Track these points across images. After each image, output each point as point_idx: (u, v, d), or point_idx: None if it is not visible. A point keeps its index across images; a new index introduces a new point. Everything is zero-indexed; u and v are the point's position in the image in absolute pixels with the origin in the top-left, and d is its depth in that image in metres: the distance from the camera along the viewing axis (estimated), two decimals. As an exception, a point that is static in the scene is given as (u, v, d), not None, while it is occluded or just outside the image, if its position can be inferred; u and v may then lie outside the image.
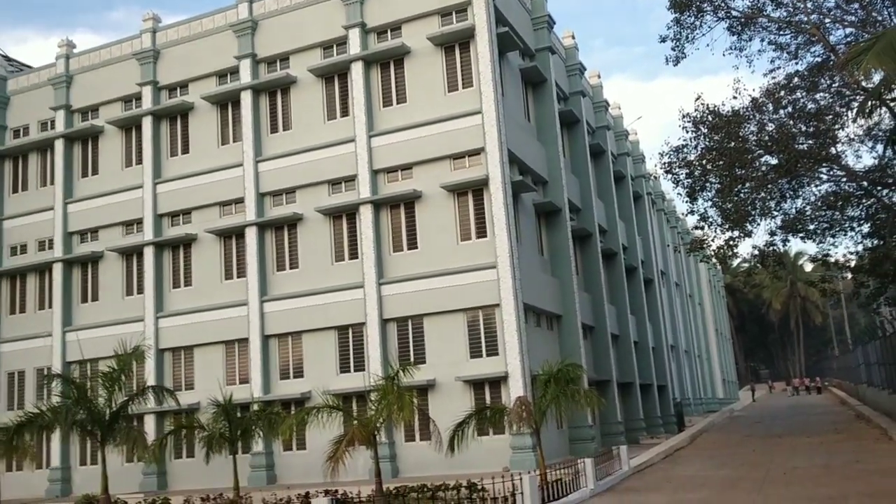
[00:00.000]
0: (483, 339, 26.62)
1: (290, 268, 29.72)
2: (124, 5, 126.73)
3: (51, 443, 31.27)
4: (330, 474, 20.68)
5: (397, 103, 28.87)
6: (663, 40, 27.49)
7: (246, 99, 30.64)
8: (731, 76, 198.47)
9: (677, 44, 27.28)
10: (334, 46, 30.10)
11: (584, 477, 18.58)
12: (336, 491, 23.53)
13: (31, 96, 35.54)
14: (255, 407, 26.98)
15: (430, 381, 26.50)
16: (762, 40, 27.78)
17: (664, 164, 27.98)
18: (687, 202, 28.35)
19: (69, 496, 30.30)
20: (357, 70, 28.97)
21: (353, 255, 28.69)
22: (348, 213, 28.95)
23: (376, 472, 21.73)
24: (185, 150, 32.18)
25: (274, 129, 30.71)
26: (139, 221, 32.24)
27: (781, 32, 27.17)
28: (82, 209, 33.42)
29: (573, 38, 36.57)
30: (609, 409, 32.07)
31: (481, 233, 27.14)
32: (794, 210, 28.44)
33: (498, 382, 26.18)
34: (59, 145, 34.00)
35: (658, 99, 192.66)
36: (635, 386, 37.36)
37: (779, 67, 27.82)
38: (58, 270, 33.21)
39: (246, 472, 27.61)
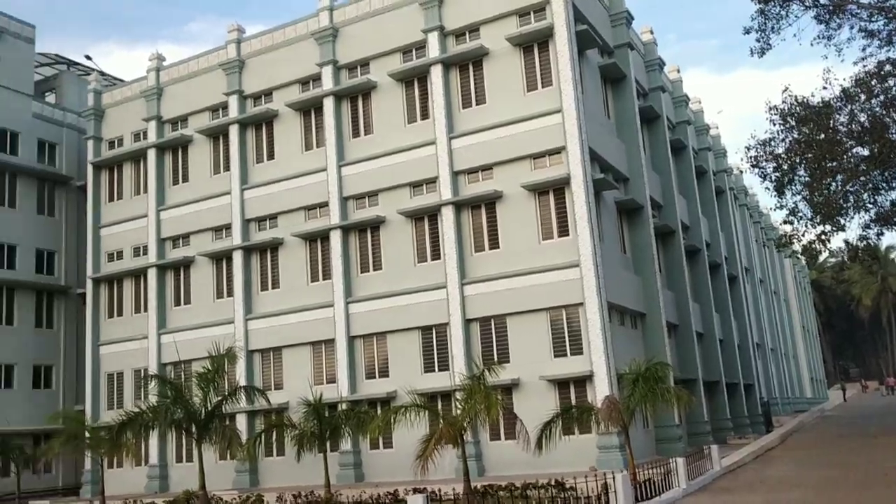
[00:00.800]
0: (567, 339, 26.57)
1: (374, 269, 30.23)
2: (203, 16, 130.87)
3: (149, 441, 32.51)
4: (420, 472, 21.01)
5: (477, 104, 29.07)
6: (747, 32, 26.88)
7: (328, 105, 31.32)
8: (812, 67, 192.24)
9: (762, 35, 26.62)
10: (413, 50, 30.50)
11: (676, 476, 18.41)
12: (424, 489, 23.85)
13: (124, 109, 37.09)
14: (343, 406, 27.51)
15: (514, 380, 26.59)
16: (852, 28, 26.87)
17: (750, 157, 27.36)
18: (774, 196, 27.67)
19: (167, 492, 31.44)
20: (436, 73, 29.30)
21: (436, 255, 29.01)
22: (430, 215, 29.29)
23: (464, 471, 21.95)
24: (271, 157, 33.08)
25: (356, 134, 31.30)
26: (228, 227, 33.29)
27: (873, 19, 26.25)
28: (174, 216, 34.71)
29: (651, 33, 36.13)
30: (695, 408, 31.52)
31: (563, 231, 27.10)
32: (888, 202, 27.46)
33: (583, 381, 26.10)
34: (151, 155, 35.39)
35: (736, 92, 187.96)
36: (721, 385, 36.64)
37: (870, 55, 26.85)
38: (152, 275, 34.57)
39: (334, 470, 28.18)
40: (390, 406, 27.63)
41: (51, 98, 42.23)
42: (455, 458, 26.14)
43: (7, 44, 37.57)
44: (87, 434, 30.20)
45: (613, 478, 16.08)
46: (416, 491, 23.93)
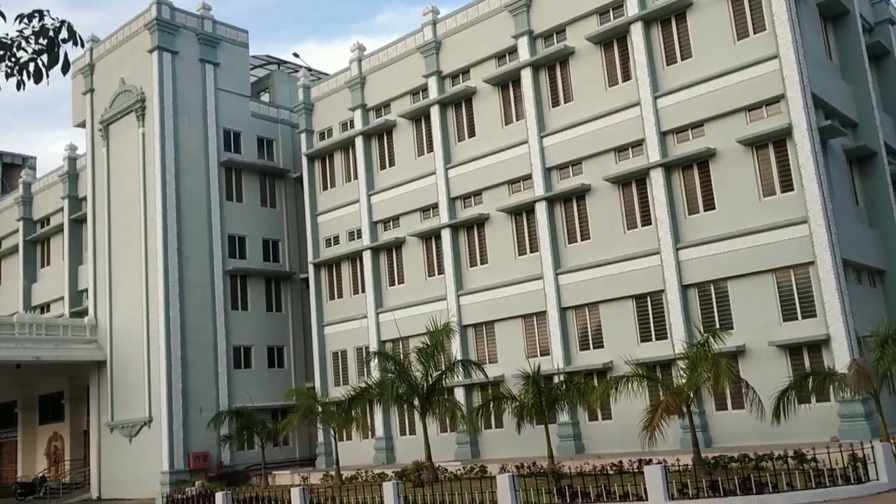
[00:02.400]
0: (797, 301, 24.74)
1: (582, 239, 29.72)
2: (390, 6, 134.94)
3: (374, 415, 34.09)
4: (648, 443, 20.45)
5: (682, 59, 27.64)
6: None
7: (526, 76, 31.05)
8: None
9: None
10: (611, 10, 29.49)
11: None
12: (650, 460, 23.23)
13: (331, 100, 38.88)
14: (560, 378, 27.35)
15: (740, 347, 25.16)
16: None
17: None
18: None
19: (394, 463, 32.87)
20: (637, 31, 28.15)
21: (646, 221, 28.01)
22: (637, 179, 28.31)
23: (693, 441, 21.14)
24: (472, 134, 33.36)
25: (555, 103, 30.83)
26: (435, 206, 34.03)
27: None
28: (384, 199, 35.98)
29: (875, -40, 32.60)
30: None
31: (787, 187, 25.19)
32: None
33: (818, 346, 24.21)
34: (358, 142, 36.86)
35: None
36: (979, 346, 32.67)
37: None
38: (367, 257, 36.09)
39: (553, 442, 27.95)
40: (607, 377, 27.22)
41: (265, 97, 45.14)
42: (679, 428, 25.27)
43: (225, 50, 40.51)
44: (314, 408, 32.25)
45: (872, 447, 14.68)
46: (643, 462, 23.39)
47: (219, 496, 22.96)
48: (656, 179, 27.38)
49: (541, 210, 30.30)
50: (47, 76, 7.96)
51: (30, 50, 7.61)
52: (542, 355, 29.95)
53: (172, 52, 38.22)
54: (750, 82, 25.64)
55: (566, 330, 29.60)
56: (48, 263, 48.36)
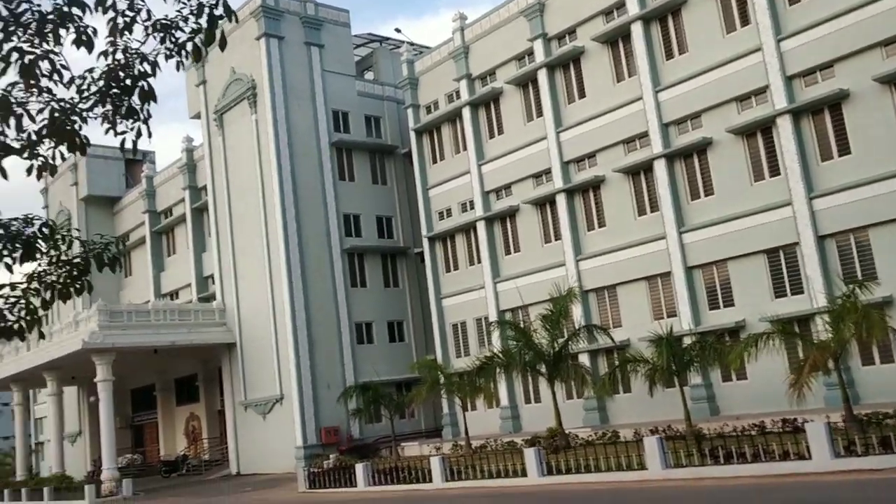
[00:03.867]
0: (949, 245, 23.13)
1: (705, 195, 28.68)
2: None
3: (497, 384, 34.11)
4: (795, 401, 19.64)
5: (806, -2, 26.09)
6: None
7: (637, 30, 30.05)
8: None
9: None
10: (727, -47, 28.12)
11: None
12: (794, 420, 22.33)
13: (435, 73, 38.78)
14: (692, 339, 26.56)
15: (886, 297, 23.76)
16: None
17: None
18: None
19: (520, 432, 32.86)
20: (754, -28, 26.74)
21: (774, 171, 26.75)
22: (763, 129, 27.03)
23: (843, 398, 20.16)
24: (582, 95, 32.62)
25: (669, 56, 29.74)
26: (548, 171, 33.53)
27: None
28: (494, 168, 35.72)
29: None
30: None
31: (931, 124, 23.49)
32: None
33: (975, 292, 22.59)
34: (465, 113, 36.66)
35: None
36: None
37: None
38: (481, 228, 35.99)
39: (681, 405, 27.41)
40: (739, 336, 26.30)
41: (368, 75, 45.48)
42: (823, 386, 24.15)
43: (328, 32, 40.97)
44: (440, 380, 32.50)
45: None
46: (786, 422, 22.55)
47: (359, 468, 23.47)
48: (784, 127, 26.05)
49: (660, 168, 29.38)
50: (206, 54, 8.03)
51: (187, 30, 7.69)
52: (668, 317, 29.16)
53: (279, 38, 38.92)
54: (888, 14, 23.97)
55: (693, 289, 28.72)
56: (174, 252, 50.50)
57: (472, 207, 36.72)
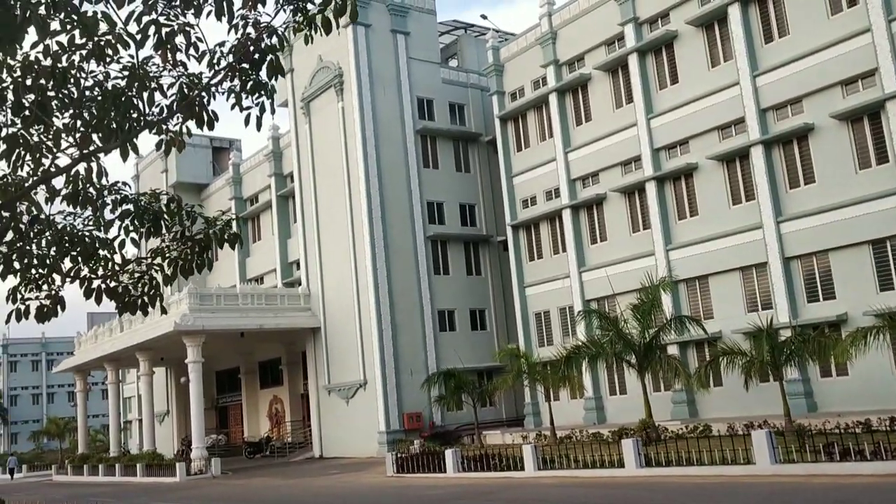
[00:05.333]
0: None
1: (805, 183, 27.60)
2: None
3: (582, 375, 33.65)
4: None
5: (921, -25, 24.76)
6: None
7: (734, 13, 29.06)
8: None
9: None
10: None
11: None
12: (903, 418, 21.29)
13: (521, 60, 38.38)
14: (791, 332, 25.62)
15: None
16: None
17: None
18: None
19: (605, 423, 32.35)
20: (864, -51, 25.50)
21: (882, 158, 25.55)
22: (871, 113, 25.80)
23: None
24: (674, 80, 31.78)
25: (768, 39, 28.67)
26: (637, 159, 32.82)
27: None
28: (581, 155, 35.17)
29: None
30: None
31: None
32: None
33: None
34: (552, 99, 36.17)
35: None
36: None
37: None
38: (566, 216, 35.50)
39: (778, 400, 26.49)
40: (840, 330, 25.26)
41: (452, 62, 45.34)
42: (934, 383, 23.00)
43: (414, 19, 40.98)
44: (526, 369, 32.21)
45: None
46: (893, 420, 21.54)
47: (448, 454, 23.43)
48: (893, 112, 24.83)
49: (757, 155, 28.39)
50: (337, 27, 7.95)
51: (317, 1, 7.63)
52: (763, 309, 28.22)
53: (366, 26, 39.10)
54: None
55: (791, 281, 27.70)
56: (259, 238, 51.49)
57: (558, 195, 36.25)
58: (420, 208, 39.44)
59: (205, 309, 38.14)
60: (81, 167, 7.63)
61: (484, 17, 43.30)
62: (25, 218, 7.68)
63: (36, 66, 6.67)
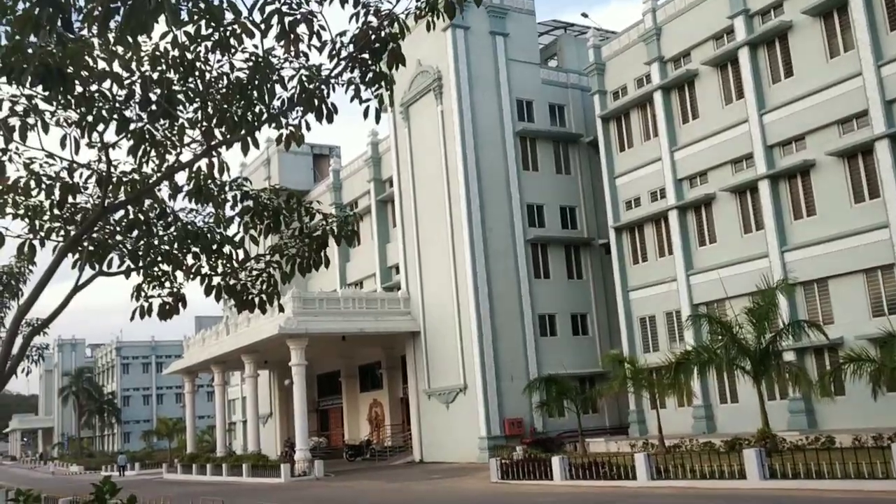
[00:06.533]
0: None
1: (938, 179, 25.76)
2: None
3: (692, 382, 32.38)
4: None
5: None
6: None
7: (856, 0, 27.43)
8: None
9: None
10: None
11: None
12: None
13: (623, 58, 37.44)
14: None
15: None
16: None
17: None
18: None
19: (714, 433, 31.02)
20: None
21: None
22: None
23: None
24: (789, 74, 30.30)
25: (894, 26, 26.93)
26: (749, 157, 31.43)
27: None
28: (688, 154, 33.96)
29: None
30: None
31: None
32: None
33: None
34: (657, 97, 35.09)
35: None
36: None
37: None
38: (673, 217, 34.33)
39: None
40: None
41: (552, 63, 44.69)
42: None
43: (512, 20, 40.56)
44: (631, 375, 31.20)
45: None
46: None
47: (555, 460, 22.84)
48: None
49: (882, 149, 26.70)
50: (462, 10, 7.65)
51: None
52: (890, 314, 26.48)
53: (464, 28, 38.90)
54: None
55: (921, 284, 25.91)
56: (359, 243, 51.96)
57: (664, 196, 35.11)
58: (520, 211, 38.95)
59: (308, 312, 38.67)
60: (203, 163, 7.55)
61: (585, 15, 42.47)
62: (152, 214, 7.65)
63: (163, 58, 6.58)
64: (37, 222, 7.95)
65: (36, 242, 7.73)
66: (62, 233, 8.05)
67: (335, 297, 40.62)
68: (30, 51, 5.67)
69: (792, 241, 29.92)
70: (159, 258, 7.82)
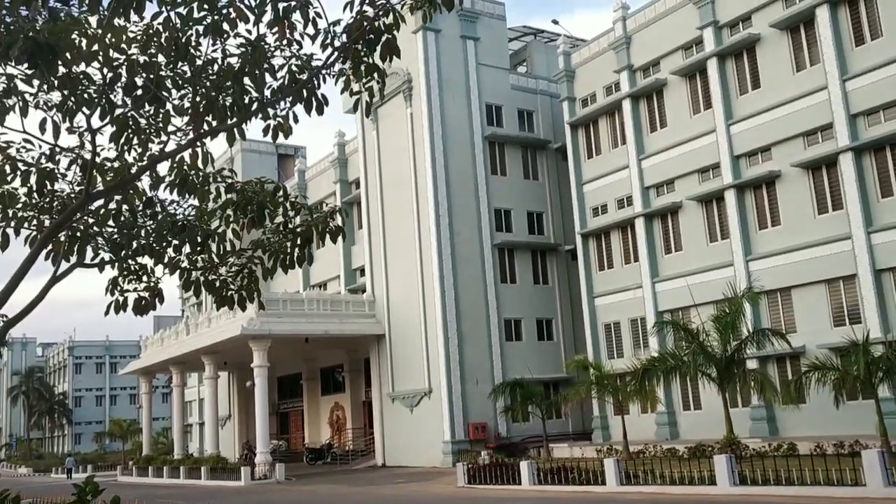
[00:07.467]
0: None
1: (899, 192, 26.30)
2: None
3: (655, 389, 32.58)
4: None
5: None
6: None
7: (822, 15, 27.94)
8: None
9: None
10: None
11: None
12: None
13: (593, 65, 37.65)
14: (877, 348, 24.32)
15: None
16: None
17: None
18: None
19: (677, 439, 31.27)
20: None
21: (985, 166, 24.17)
22: (972, 119, 24.50)
23: None
24: (756, 86, 30.72)
25: (859, 41, 27.48)
26: (715, 166, 31.79)
27: None
28: (655, 163, 34.25)
29: None
30: None
31: None
32: None
33: None
34: (626, 105, 35.35)
35: None
36: None
37: None
38: (639, 225, 34.58)
39: (869, 419, 25.16)
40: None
41: (521, 69, 44.77)
42: None
43: (484, 25, 40.58)
44: (597, 381, 31.32)
45: None
46: None
47: (523, 465, 22.74)
48: None
49: (846, 162, 27.19)
50: (461, 2, 7.50)
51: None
52: (851, 323, 26.91)
53: (435, 31, 38.80)
54: None
55: (882, 294, 26.41)
56: (322, 245, 51.36)
57: (630, 203, 35.35)
58: (487, 215, 38.93)
59: (271, 314, 38.12)
60: (187, 154, 7.29)
61: (555, 22, 42.65)
62: (138, 203, 7.36)
63: (155, 39, 6.33)
64: (9, 211, 7.61)
65: (10, 231, 7.39)
66: (35, 222, 7.71)
67: (299, 299, 40.15)
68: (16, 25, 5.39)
69: (757, 251, 30.31)
70: (140, 250, 7.52)
